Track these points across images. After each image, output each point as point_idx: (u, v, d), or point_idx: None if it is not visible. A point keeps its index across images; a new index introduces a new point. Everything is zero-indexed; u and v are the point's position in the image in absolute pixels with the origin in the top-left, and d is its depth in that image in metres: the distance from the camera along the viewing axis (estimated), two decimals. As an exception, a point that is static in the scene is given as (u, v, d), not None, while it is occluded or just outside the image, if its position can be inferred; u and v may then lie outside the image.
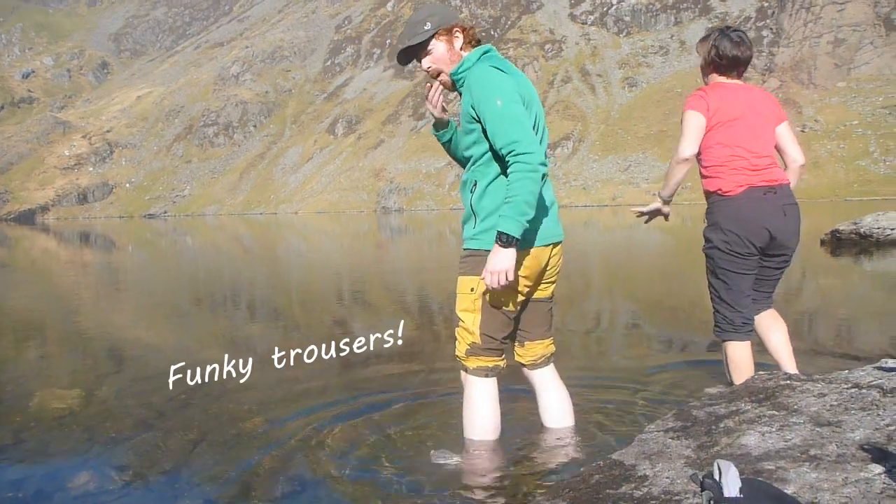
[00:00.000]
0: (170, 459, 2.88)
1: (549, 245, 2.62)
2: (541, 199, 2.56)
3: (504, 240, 2.38)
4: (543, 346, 2.79)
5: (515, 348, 2.82)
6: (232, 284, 11.11)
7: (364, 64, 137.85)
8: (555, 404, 2.84)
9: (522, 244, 2.47)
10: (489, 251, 2.47)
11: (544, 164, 2.42)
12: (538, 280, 2.67)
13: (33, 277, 13.87)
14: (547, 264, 2.65)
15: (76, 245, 27.08)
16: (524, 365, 2.83)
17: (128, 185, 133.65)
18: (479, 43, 2.69)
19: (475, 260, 2.57)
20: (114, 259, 18.41)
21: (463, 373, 2.72)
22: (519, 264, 2.51)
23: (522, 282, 2.58)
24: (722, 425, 2.25)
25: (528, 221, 2.40)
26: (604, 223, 32.58)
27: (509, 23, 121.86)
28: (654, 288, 8.88)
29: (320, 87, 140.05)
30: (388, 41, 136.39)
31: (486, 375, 2.67)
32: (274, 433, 3.15)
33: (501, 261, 2.39)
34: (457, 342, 2.69)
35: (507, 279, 2.41)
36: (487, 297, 2.57)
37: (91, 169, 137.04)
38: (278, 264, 15.81)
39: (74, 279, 12.62)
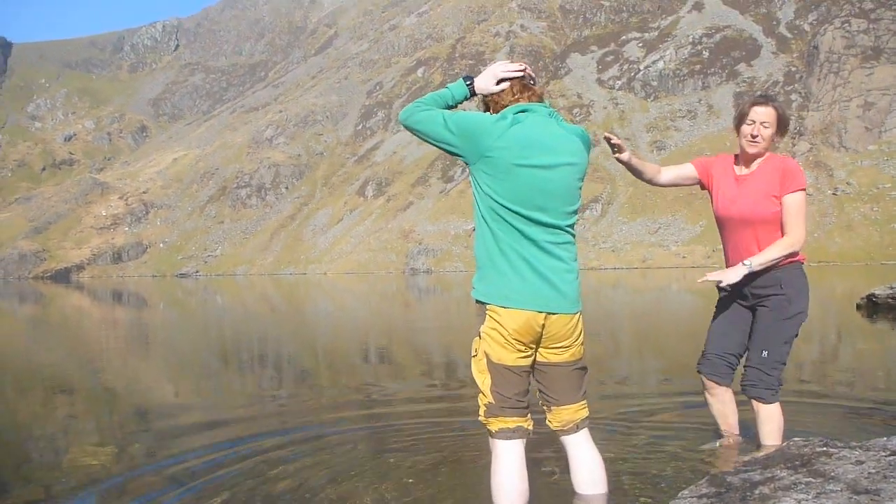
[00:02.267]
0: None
1: (539, 312, 2.55)
2: (516, 262, 2.56)
3: (467, 85, 2.84)
4: (571, 412, 2.73)
5: (546, 413, 2.80)
6: (259, 343, 11.18)
7: (395, 128, 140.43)
8: (586, 471, 2.77)
9: (493, 300, 2.56)
10: (480, 302, 2.62)
11: (403, 118, 2.73)
12: (538, 343, 2.62)
13: (65, 334, 14.08)
14: (543, 330, 2.59)
15: (108, 303, 27.50)
16: (554, 430, 2.80)
17: (161, 244, 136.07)
18: (527, 90, 2.81)
19: (479, 315, 2.63)
20: (144, 317, 18.66)
21: (490, 438, 2.71)
22: (503, 322, 2.55)
23: (513, 343, 2.56)
24: (757, 492, 2.22)
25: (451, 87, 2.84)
26: (633, 285, 32.35)
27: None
28: (685, 350, 8.76)
29: (351, 150, 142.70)
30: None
31: (510, 438, 2.64)
32: (302, 492, 3.14)
33: (493, 70, 2.80)
34: (478, 407, 2.70)
35: (504, 68, 2.78)
36: (487, 355, 2.60)
37: (126, 229, 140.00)
38: (306, 323, 15.88)
39: (105, 336, 12.80)
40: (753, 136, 3.36)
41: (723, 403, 3.65)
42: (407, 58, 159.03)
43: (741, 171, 3.50)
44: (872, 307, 12.87)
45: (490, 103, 2.79)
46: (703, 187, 3.65)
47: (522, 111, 2.66)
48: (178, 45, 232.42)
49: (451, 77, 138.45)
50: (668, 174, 3.61)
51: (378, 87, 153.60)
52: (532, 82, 2.80)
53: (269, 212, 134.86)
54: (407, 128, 2.68)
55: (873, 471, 2.25)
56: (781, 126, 3.39)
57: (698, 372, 3.63)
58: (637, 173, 3.63)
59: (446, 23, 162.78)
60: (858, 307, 13.10)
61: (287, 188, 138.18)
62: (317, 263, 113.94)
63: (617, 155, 3.44)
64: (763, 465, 2.53)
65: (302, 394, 5.99)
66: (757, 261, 3.30)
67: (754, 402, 3.47)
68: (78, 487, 3.37)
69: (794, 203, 3.35)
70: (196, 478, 3.48)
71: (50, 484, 3.44)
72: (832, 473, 2.29)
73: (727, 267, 3.49)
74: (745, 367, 3.49)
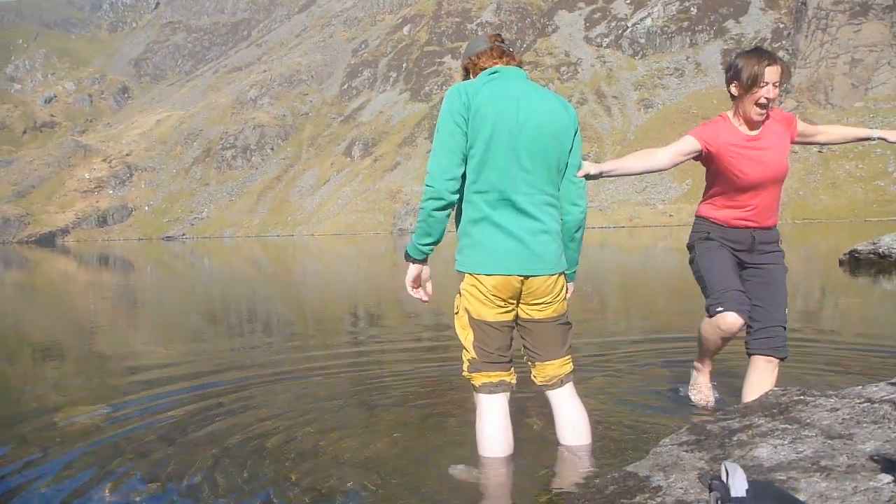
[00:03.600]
0: (193, 473, 2.94)
1: (514, 276, 2.57)
2: (489, 228, 2.57)
3: (405, 257, 2.70)
4: (555, 367, 2.76)
5: (530, 368, 2.84)
6: (246, 304, 11.22)
7: (381, 87, 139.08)
8: (570, 423, 2.83)
9: (471, 269, 2.61)
10: (459, 272, 2.66)
11: (439, 198, 2.53)
12: (518, 298, 2.65)
13: (52, 298, 14.06)
14: (523, 287, 2.61)
15: (95, 267, 27.40)
16: (539, 385, 2.84)
17: (146, 207, 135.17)
18: (505, 55, 2.75)
19: (459, 280, 2.67)
20: (132, 280, 18.63)
21: (474, 392, 2.76)
22: (482, 279, 2.59)
23: (492, 300, 2.60)
24: (735, 438, 2.28)
25: (428, 244, 2.63)
26: (620, 244, 32.52)
27: (525, 45, 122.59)
28: (670, 307, 8.87)
29: (337, 111, 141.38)
30: (404, 65, 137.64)
31: (493, 391, 2.68)
32: (293, 446, 3.20)
33: (406, 275, 2.72)
34: (462, 363, 2.74)
35: (411, 291, 2.74)
36: (468, 311, 2.64)
37: (111, 192, 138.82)
38: (293, 285, 15.93)
39: (93, 300, 12.80)
40: (768, 100, 3.18)
41: (720, 346, 3.43)
42: (392, 15, 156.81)
43: (749, 131, 3.30)
44: (854, 263, 13.04)
45: (470, 69, 2.79)
46: (703, 159, 3.38)
47: (493, 73, 2.67)
48: (158, 4, 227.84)
49: (437, 35, 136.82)
50: (665, 156, 3.32)
51: (363, 46, 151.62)
52: (510, 49, 2.79)
53: (255, 173, 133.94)
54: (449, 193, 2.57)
55: (847, 417, 2.33)
56: (783, 83, 3.27)
57: (717, 312, 3.22)
58: (629, 173, 3.40)
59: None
60: (841, 263, 13.27)
61: (272, 149, 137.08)
62: (304, 225, 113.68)
63: (599, 174, 3.22)
64: (742, 414, 2.60)
65: (290, 353, 6.04)
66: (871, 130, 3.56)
67: (770, 363, 3.28)
68: (73, 445, 3.42)
69: (802, 123, 3.48)
70: (186, 433, 3.53)
71: (47, 445, 3.49)
72: (808, 420, 2.36)
73: (744, 226, 3.36)
74: (767, 326, 3.27)
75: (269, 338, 7.29)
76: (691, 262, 3.53)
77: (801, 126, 3.44)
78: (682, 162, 3.42)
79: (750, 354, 3.34)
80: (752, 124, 3.29)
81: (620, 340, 6.11)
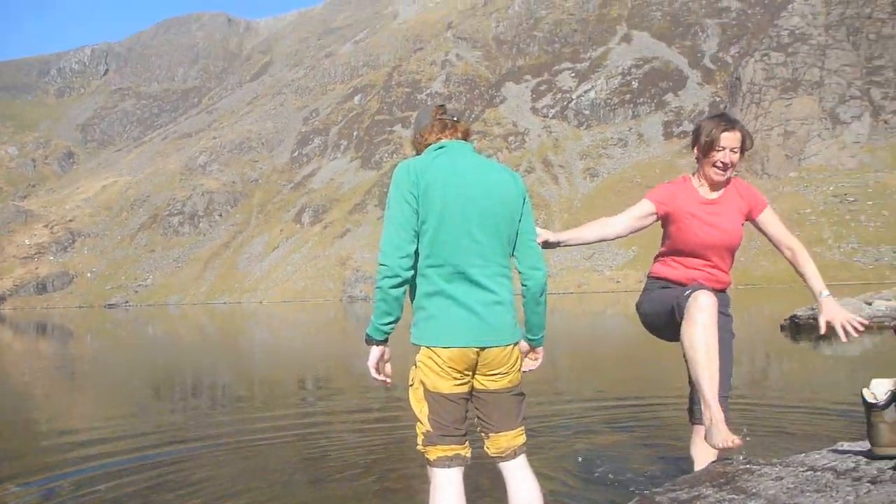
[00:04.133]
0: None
1: (470, 348, 2.57)
2: (444, 302, 2.59)
3: (366, 340, 2.67)
4: (509, 439, 2.73)
5: (484, 440, 2.82)
6: (192, 374, 10.92)
7: (331, 155, 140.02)
8: (523, 496, 2.78)
9: (427, 342, 2.60)
10: (415, 345, 2.64)
11: (394, 276, 2.55)
12: (474, 370, 2.65)
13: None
14: (479, 358, 2.61)
15: (32, 336, 26.41)
16: (492, 457, 2.81)
17: (89, 274, 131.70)
18: (446, 129, 2.79)
19: (414, 353, 2.66)
20: (70, 349, 17.98)
21: (428, 467, 2.72)
22: (438, 352, 2.58)
23: (448, 371, 2.59)
24: (684, 510, 2.30)
25: (388, 323, 2.62)
26: (570, 311, 32.83)
27: (473, 116, 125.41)
28: (620, 372, 8.94)
29: (287, 178, 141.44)
30: (354, 133, 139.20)
31: (448, 465, 2.64)
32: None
33: (368, 358, 2.67)
34: (417, 436, 2.71)
35: (374, 375, 2.68)
36: (423, 384, 2.63)
37: (51, 258, 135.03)
38: (241, 354, 15.59)
39: (28, 370, 12.29)
40: (724, 164, 3.20)
41: (713, 333, 3.04)
42: (343, 85, 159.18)
43: (708, 194, 3.30)
44: (795, 328, 13.39)
45: (418, 146, 2.85)
46: (662, 220, 3.35)
47: (441, 147, 2.73)
48: (107, 70, 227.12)
49: (388, 105, 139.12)
50: (621, 223, 3.33)
51: (314, 114, 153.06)
52: (455, 119, 2.84)
53: (203, 240, 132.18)
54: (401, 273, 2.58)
55: (791, 486, 2.36)
56: (745, 148, 3.27)
57: (688, 296, 3.07)
58: (586, 242, 3.40)
59: (383, 51, 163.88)
60: (782, 328, 13.61)
61: (221, 215, 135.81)
62: (252, 292, 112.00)
63: (557, 243, 3.26)
64: (690, 485, 2.62)
65: (235, 425, 5.87)
66: (822, 287, 3.24)
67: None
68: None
69: (774, 216, 3.38)
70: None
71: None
72: (754, 490, 2.39)
73: (686, 283, 3.26)
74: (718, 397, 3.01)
75: (213, 408, 7.09)
76: (642, 312, 3.43)
77: (768, 218, 3.35)
78: (640, 227, 3.37)
79: (693, 423, 3.30)
80: (713, 185, 3.29)
81: (572, 407, 6.12)
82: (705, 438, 3.02)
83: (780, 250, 3.39)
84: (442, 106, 2.86)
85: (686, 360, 3.03)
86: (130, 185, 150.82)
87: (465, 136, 2.83)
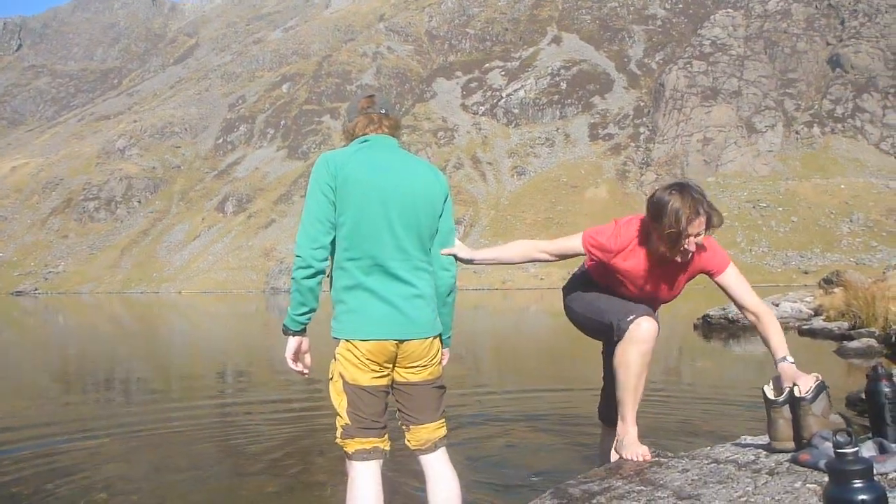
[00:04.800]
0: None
1: (389, 340, 2.59)
2: (363, 295, 2.61)
3: (283, 331, 2.68)
4: (429, 431, 2.75)
5: (404, 433, 2.83)
6: (105, 365, 10.56)
7: (257, 143, 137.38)
8: (442, 488, 2.80)
9: (346, 335, 2.60)
10: (334, 338, 2.64)
11: (307, 266, 2.58)
12: (394, 362, 2.67)
13: None
14: (398, 350, 2.64)
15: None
16: (413, 450, 2.83)
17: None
18: (372, 124, 2.80)
19: (333, 346, 2.67)
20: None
21: (347, 460, 2.72)
22: (357, 344, 2.59)
23: (367, 364, 2.60)
24: (594, 501, 2.37)
25: (303, 314, 2.65)
26: (494, 306, 33.19)
27: (404, 110, 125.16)
28: (540, 367, 9.11)
29: (211, 165, 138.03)
30: (282, 121, 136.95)
31: (366, 458, 2.65)
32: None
33: (286, 349, 2.67)
34: (335, 429, 2.71)
35: (291, 365, 2.67)
36: (342, 376, 2.63)
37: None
38: (155, 345, 15.16)
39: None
40: (690, 251, 2.93)
41: (646, 362, 3.09)
42: (272, 72, 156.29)
43: (658, 261, 3.06)
44: (707, 327, 13.95)
45: (347, 137, 2.86)
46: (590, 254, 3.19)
47: (364, 141, 2.75)
48: (20, 45, 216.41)
49: (317, 95, 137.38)
50: (548, 252, 3.18)
51: (241, 101, 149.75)
52: (383, 112, 2.85)
53: (120, 226, 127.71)
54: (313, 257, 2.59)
55: (696, 478, 2.47)
56: (711, 226, 2.94)
57: (630, 322, 3.05)
58: (505, 263, 3.28)
59: (313, 40, 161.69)
60: (695, 327, 14.14)
61: (140, 202, 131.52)
62: (171, 282, 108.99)
63: (470, 260, 3.11)
64: (601, 477, 2.71)
65: (149, 416, 5.72)
66: (785, 352, 2.85)
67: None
68: None
69: (735, 276, 3.10)
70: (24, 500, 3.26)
71: None
72: (661, 481, 2.49)
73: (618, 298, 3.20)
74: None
75: (126, 400, 6.89)
76: (571, 308, 3.39)
77: (729, 281, 3.09)
78: (569, 258, 3.25)
79: (605, 425, 3.42)
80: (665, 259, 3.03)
81: (490, 399, 6.20)
82: (616, 448, 3.16)
83: (743, 314, 3.11)
84: (371, 97, 2.86)
85: (614, 374, 3.08)
86: (43, 167, 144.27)
87: (394, 130, 2.84)
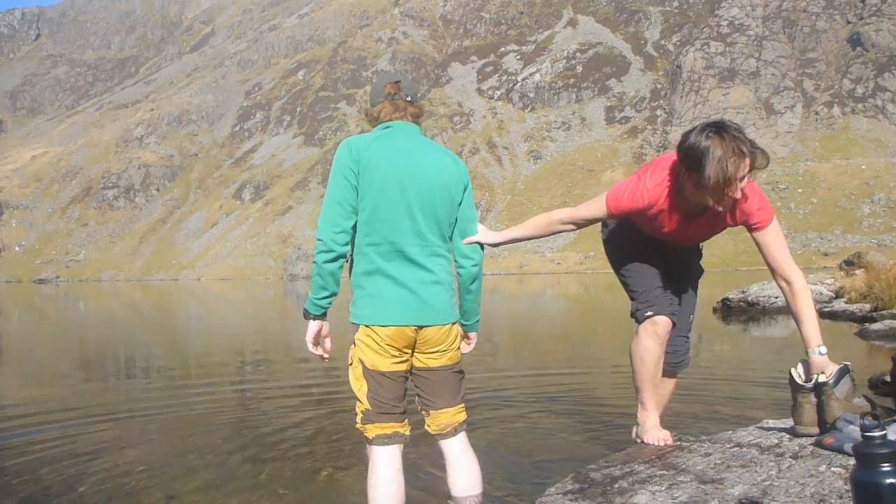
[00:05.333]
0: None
1: (408, 326, 2.60)
2: (382, 280, 2.61)
3: (304, 315, 2.69)
4: (449, 416, 2.77)
5: (424, 418, 2.84)
6: (125, 351, 10.67)
7: (274, 130, 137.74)
8: (462, 473, 2.81)
9: (365, 320, 2.61)
10: (353, 323, 2.66)
11: (329, 251, 2.58)
12: (413, 348, 2.68)
13: None
14: (417, 335, 2.64)
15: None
16: (433, 434, 2.84)
17: (17, 248, 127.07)
18: (398, 111, 2.78)
19: (353, 332, 2.67)
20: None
21: (367, 445, 2.73)
22: (376, 329, 2.59)
23: (387, 349, 2.61)
24: (616, 486, 2.36)
25: (324, 297, 2.66)
26: (511, 291, 33.19)
27: (419, 95, 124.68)
28: (558, 350, 9.10)
29: (228, 152, 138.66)
30: (298, 108, 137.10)
31: (386, 443, 2.66)
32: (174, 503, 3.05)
33: (306, 332, 2.69)
34: (356, 415, 2.72)
35: (311, 349, 2.70)
36: (362, 362, 2.64)
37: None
38: (177, 331, 15.30)
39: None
40: (733, 199, 2.70)
41: (661, 354, 3.07)
42: (287, 59, 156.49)
43: (691, 212, 2.87)
44: (727, 310, 13.85)
45: (370, 119, 2.85)
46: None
47: (387, 127, 2.74)
48: (38, 35, 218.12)
49: (332, 81, 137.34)
50: (572, 220, 3.02)
51: (257, 88, 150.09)
52: (409, 99, 2.84)
53: (139, 214, 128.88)
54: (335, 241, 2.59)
55: (719, 461, 2.45)
56: (761, 166, 2.71)
57: (647, 317, 3.01)
58: (532, 238, 3.20)
59: (328, 26, 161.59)
60: (714, 310, 14.04)
61: (158, 190, 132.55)
62: (189, 269, 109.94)
63: (496, 244, 3.06)
64: (623, 461, 2.69)
65: (170, 400, 5.77)
66: (819, 341, 2.68)
67: (668, 378, 3.22)
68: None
69: (777, 234, 2.86)
70: (52, 494, 3.30)
71: None
72: (683, 466, 2.47)
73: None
74: (673, 349, 3.16)
75: (147, 383, 6.95)
76: (607, 253, 3.31)
77: (766, 239, 2.84)
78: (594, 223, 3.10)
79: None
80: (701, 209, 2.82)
81: (509, 383, 6.20)
82: (637, 433, 3.20)
83: (775, 279, 2.89)
84: (398, 83, 2.84)
85: (634, 365, 3.11)
86: (62, 156, 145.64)
87: (417, 118, 2.84)
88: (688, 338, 3.27)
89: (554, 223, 3.04)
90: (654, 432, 3.05)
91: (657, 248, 3.12)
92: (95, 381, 7.53)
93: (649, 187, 2.84)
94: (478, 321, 2.92)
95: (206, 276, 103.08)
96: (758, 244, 2.86)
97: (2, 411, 5.60)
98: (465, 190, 2.77)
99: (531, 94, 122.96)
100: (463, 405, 2.82)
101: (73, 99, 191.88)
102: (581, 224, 3.04)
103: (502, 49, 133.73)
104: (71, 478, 3.53)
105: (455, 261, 2.79)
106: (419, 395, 2.77)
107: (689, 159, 2.63)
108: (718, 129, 2.61)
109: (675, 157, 2.82)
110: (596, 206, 2.94)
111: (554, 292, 30.25)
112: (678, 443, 2.93)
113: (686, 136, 2.69)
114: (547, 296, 27.99)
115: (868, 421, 1.65)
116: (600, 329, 13.20)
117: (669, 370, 3.25)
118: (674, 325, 3.06)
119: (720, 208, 2.71)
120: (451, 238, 2.77)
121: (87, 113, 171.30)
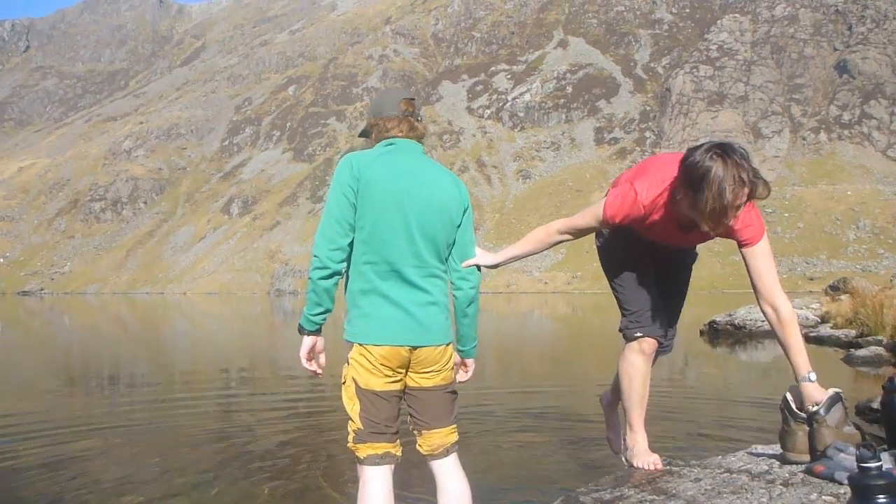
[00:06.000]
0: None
1: (402, 346, 2.58)
2: (378, 300, 2.60)
3: (298, 330, 2.68)
4: (441, 436, 2.73)
5: (416, 438, 2.82)
6: (109, 365, 10.57)
7: (263, 145, 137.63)
8: (453, 494, 2.79)
9: (360, 339, 2.60)
10: (348, 341, 2.64)
11: (324, 268, 2.58)
12: (407, 367, 2.65)
13: None
14: (412, 355, 2.62)
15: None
16: (424, 455, 2.82)
17: (2, 259, 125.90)
18: (408, 132, 2.78)
19: (347, 350, 2.66)
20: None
21: (358, 464, 2.71)
22: (370, 349, 2.58)
23: (381, 369, 2.59)
24: (607, 510, 2.36)
25: (318, 314, 2.64)
26: (499, 310, 33.16)
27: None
28: (545, 370, 9.09)
29: (217, 167, 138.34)
30: (288, 124, 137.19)
31: (378, 463, 2.64)
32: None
33: (301, 348, 2.66)
34: (347, 433, 2.70)
35: (305, 364, 2.67)
36: (355, 381, 2.63)
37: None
38: (163, 346, 15.18)
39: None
40: (726, 226, 2.62)
41: (648, 371, 3.08)
42: (278, 75, 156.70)
43: (684, 222, 2.80)
44: (713, 333, 13.90)
45: (376, 131, 2.83)
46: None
47: (389, 144, 2.73)
48: (28, 47, 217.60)
49: (323, 97, 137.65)
50: (570, 230, 3.00)
51: (247, 103, 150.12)
52: (418, 119, 2.84)
53: (126, 227, 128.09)
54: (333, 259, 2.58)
55: (709, 487, 2.45)
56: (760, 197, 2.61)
57: (636, 337, 3.04)
58: (530, 254, 3.12)
59: (319, 42, 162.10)
60: (702, 333, 14.09)
61: (146, 203, 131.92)
62: (176, 283, 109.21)
63: (496, 265, 3.02)
64: (613, 485, 2.69)
65: (154, 415, 5.72)
66: (808, 367, 2.62)
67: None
68: None
69: (765, 255, 2.79)
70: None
71: None
72: (674, 491, 2.47)
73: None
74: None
75: (131, 401, 6.88)
76: (604, 263, 3.27)
77: (752, 257, 2.78)
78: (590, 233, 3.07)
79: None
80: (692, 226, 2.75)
81: (497, 403, 6.18)
82: (626, 457, 3.19)
83: (759, 304, 2.81)
84: (412, 101, 2.83)
85: (622, 384, 3.13)
86: (50, 167, 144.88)
87: (421, 139, 2.84)
88: (674, 326, 3.23)
89: (552, 234, 3.02)
90: (643, 456, 3.05)
91: (651, 253, 3.09)
92: (80, 397, 7.45)
93: (645, 199, 2.79)
94: (475, 347, 2.87)
95: (193, 290, 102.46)
96: (746, 262, 2.79)
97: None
98: (464, 213, 2.77)
99: (521, 114, 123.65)
100: (455, 426, 2.81)
101: (61, 111, 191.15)
102: (579, 233, 3.00)
103: (493, 68, 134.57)
104: (51, 491, 3.48)
105: (452, 283, 2.78)
106: (412, 415, 2.76)
107: (689, 178, 2.57)
108: (724, 152, 2.53)
109: (663, 164, 2.82)
110: (592, 216, 2.93)
111: (542, 312, 30.26)
112: (668, 467, 2.93)
113: (691, 151, 2.63)
114: (535, 315, 28.00)
115: (863, 451, 1.63)
116: (587, 349, 13.21)
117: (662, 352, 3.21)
118: (660, 345, 3.09)
119: (713, 233, 2.67)
120: (447, 260, 2.76)
121: (75, 125, 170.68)
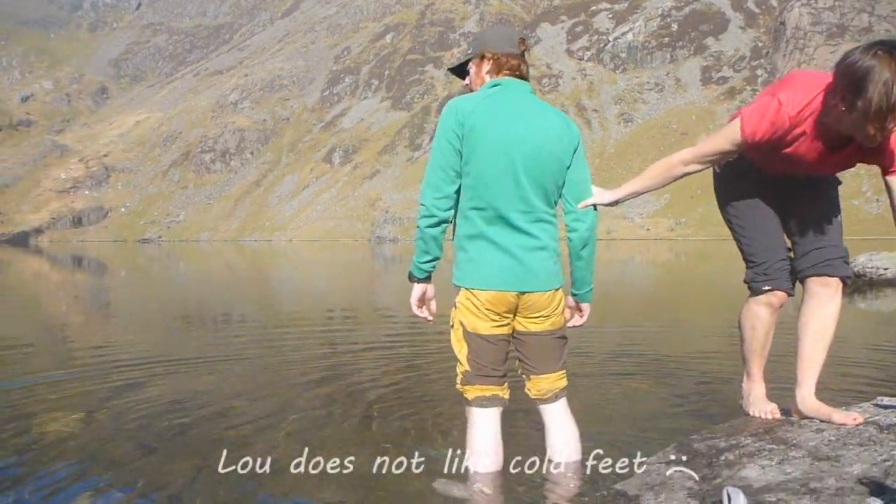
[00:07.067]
0: (172, 484, 2.89)
1: (508, 291, 2.57)
2: (484, 245, 2.58)
3: (408, 277, 2.70)
4: (550, 381, 2.76)
5: (525, 382, 2.83)
6: (223, 309, 11.10)
7: (362, 94, 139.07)
8: (561, 439, 2.80)
9: (466, 283, 2.61)
10: (455, 286, 2.66)
11: (431, 216, 2.57)
12: (515, 312, 2.65)
13: (25, 300, 13.83)
14: (519, 301, 2.61)
15: (68, 268, 27.02)
16: (533, 399, 2.83)
17: (123, 209, 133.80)
18: (517, 71, 2.73)
19: (455, 294, 2.67)
20: (105, 282, 18.38)
21: (466, 406, 2.75)
22: (477, 293, 2.59)
23: (487, 313, 2.60)
24: (723, 458, 2.29)
25: (427, 262, 2.65)
26: (597, 257, 32.69)
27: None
28: (647, 320, 8.92)
29: (318, 117, 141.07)
30: (386, 72, 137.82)
31: (485, 405, 2.67)
32: (276, 459, 3.16)
33: (411, 295, 2.70)
34: (456, 375, 2.74)
35: (415, 310, 2.72)
36: (462, 324, 2.64)
37: (86, 192, 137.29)
38: (274, 291, 15.81)
39: (67, 302, 12.60)
40: (890, 131, 2.33)
41: (773, 323, 2.96)
42: (375, 23, 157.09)
43: (832, 140, 2.51)
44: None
45: (492, 61, 2.76)
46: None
47: (496, 85, 2.67)
48: (139, 5, 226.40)
49: (420, 44, 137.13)
50: (698, 159, 2.71)
51: (346, 53, 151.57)
52: (522, 56, 2.77)
53: (234, 177, 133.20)
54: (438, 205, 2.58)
55: (833, 438, 2.34)
56: None
57: (765, 291, 2.88)
58: (653, 189, 2.89)
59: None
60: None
61: (252, 154, 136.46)
62: (282, 231, 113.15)
63: (615, 202, 2.89)
64: (728, 433, 2.62)
65: (270, 362, 5.98)
66: None
67: (826, 287, 2.84)
68: (48, 452, 3.35)
69: None
70: (167, 443, 3.47)
71: (21, 450, 3.41)
72: (794, 441, 2.38)
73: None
74: (819, 248, 2.80)
75: (245, 343, 7.22)
76: (719, 203, 3.02)
77: None
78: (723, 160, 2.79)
79: (802, 279, 2.88)
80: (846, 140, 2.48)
81: (603, 351, 6.12)
82: (742, 405, 3.11)
83: None
84: (525, 40, 2.79)
85: (740, 330, 3.04)
86: (163, 121, 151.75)
87: (526, 78, 2.78)
88: (840, 246, 2.83)
89: (675, 166, 2.74)
90: (760, 404, 2.97)
91: (779, 190, 2.81)
92: (197, 332, 7.87)
93: (791, 109, 2.47)
94: (590, 291, 2.82)
95: (298, 237, 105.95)
96: (889, 190, 2.53)
97: (111, 356, 5.93)
98: (574, 152, 2.69)
99: (623, 55, 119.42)
100: (564, 371, 2.80)
101: (171, 66, 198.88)
102: (708, 163, 2.73)
103: (593, 7, 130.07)
104: (181, 423, 3.71)
105: (566, 224, 2.73)
106: (520, 360, 2.76)
107: (848, 79, 2.28)
108: (890, 49, 2.22)
109: (808, 76, 2.54)
110: (725, 138, 2.60)
111: (643, 259, 29.60)
112: (786, 417, 2.82)
113: (849, 53, 2.33)
114: (635, 262, 27.43)
115: None
116: (690, 300, 12.86)
117: (821, 271, 2.83)
118: (790, 296, 2.94)
119: (871, 142, 2.36)
120: (556, 202, 2.71)
121: (185, 79, 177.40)
